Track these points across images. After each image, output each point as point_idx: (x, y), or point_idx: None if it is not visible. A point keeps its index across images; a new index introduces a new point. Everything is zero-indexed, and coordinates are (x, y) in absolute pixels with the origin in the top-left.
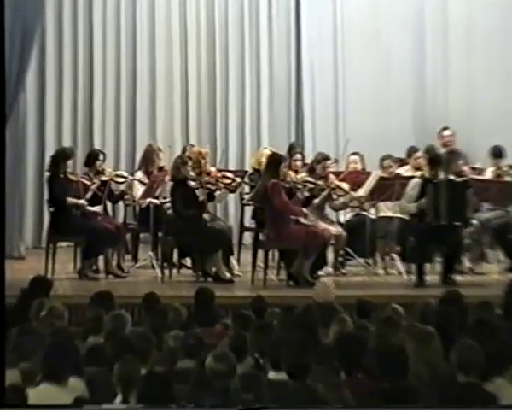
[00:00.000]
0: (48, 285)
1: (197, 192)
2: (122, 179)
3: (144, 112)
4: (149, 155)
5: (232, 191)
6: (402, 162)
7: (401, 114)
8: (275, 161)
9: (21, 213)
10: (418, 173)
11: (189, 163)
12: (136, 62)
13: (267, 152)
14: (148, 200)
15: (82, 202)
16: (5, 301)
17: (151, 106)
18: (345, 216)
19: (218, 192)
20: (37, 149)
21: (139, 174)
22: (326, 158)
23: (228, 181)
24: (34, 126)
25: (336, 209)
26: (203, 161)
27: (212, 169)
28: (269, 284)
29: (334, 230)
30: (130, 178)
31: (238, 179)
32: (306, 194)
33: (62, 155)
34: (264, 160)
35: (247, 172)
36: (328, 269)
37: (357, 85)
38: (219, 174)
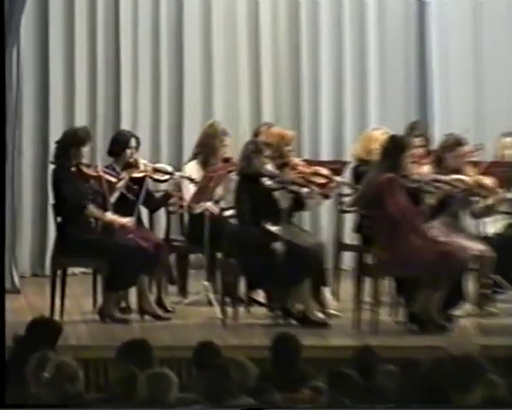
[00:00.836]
0: (54, 331)
1: (276, 195)
2: (164, 176)
3: (196, 81)
4: (209, 140)
5: (327, 196)
6: None
7: None
8: (396, 146)
9: (15, 224)
10: None
11: (266, 152)
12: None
13: (380, 135)
14: (203, 205)
15: (107, 214)
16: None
17: (205, 72)
18: (492, 227)
19: (307, 198)
20: (36, 129)
21: (191, 168)
22: (459, 143)
23: (322, 180)
24: (32, 95)
25: (478, 217)
26: (286, 149)
27: (299, 161)
28: (380, 328)
29: (476, 248)
30: (177, 174)
31: (338, 179)
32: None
33: (74, 140)
34: (375, 146)
35: (346, 163)
36: (468, 307)
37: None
38: (309, 169)
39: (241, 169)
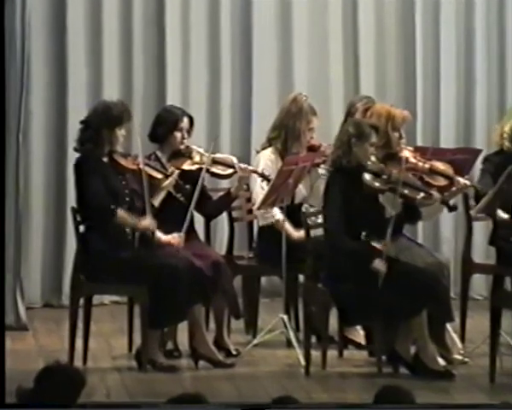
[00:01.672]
0: (75, 383)
1: (381, 199)
2: (227, 170)
3: (272, 37)
4: (291, 120)
5: (448, 205)
6: None
7: None
8: None
9: (19, 235)
10: None
11: (373, 138)
12: None
13: None
14: (273, 214)
15: (145, 223)
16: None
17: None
18: None
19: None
20: (49, 105)
21: (264, 158)
22: None
23: (442, 182)
24: (43, 58)
25: None
26: (396, 135)
27: (411, 152)
28: None
29: None
30: (244, 166)
31: (463, 180)
32: None
33: (107, 119)
34: (508, 129)
35: (480, 152)
36: None
37: None
38: (425, 164)
39: (335, 161)
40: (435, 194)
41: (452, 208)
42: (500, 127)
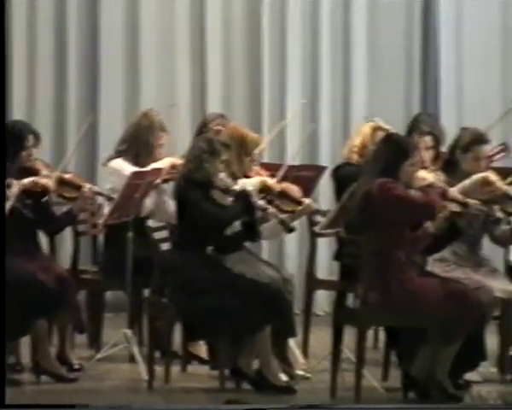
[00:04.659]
0: None
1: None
2: (73, 194)
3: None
4: (142, 135)
5: (290, 230)
6: None
7: None
8: (394, 147)
9: None
10: None
11: (223, 155)
12: None
13: (367, 129)
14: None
15: None
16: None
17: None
18: None
19: (268, 221)
20: None
21: (118, 166)
22: (481, 140)
23: (290, 206)
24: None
25: (503, 243)
26: (249, 158)
27: (262, 172)
28: (368, 396)
29: (501, 288)
30: (88, 187)
31: (309, 203)
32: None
33: None
34: (359, 143)
35: (325, 169)
36: (490, 369)
37: None
38: (276, 186)
39: (186, 175)
40: (277, 213)
41: (291, 230)
42: (350, 141)
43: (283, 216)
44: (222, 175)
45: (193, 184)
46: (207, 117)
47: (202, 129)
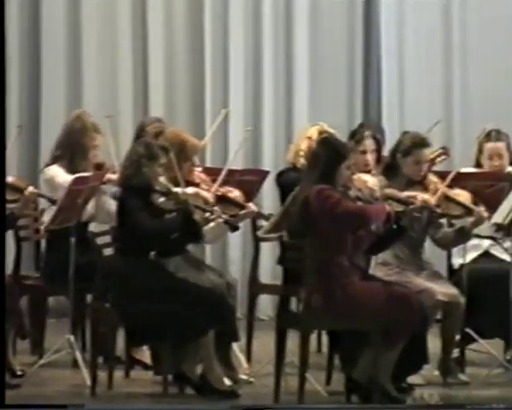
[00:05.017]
0: None
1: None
2: (14, 196)
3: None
4: (76, 138)
5: (235, 228)
6: None
7: None
8: (330, 150)
9: None
10: None
11: (162, 159)
12: None
13: (313, 133)
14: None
15: None
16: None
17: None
18: (461, 257)
19: (210, 224)
20: None
21: (53, 174)
22: (422, 144)
23: (232, 211)
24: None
25: (445, 246)
26: (189, 163)
27: (202, 176)
28: (308, 398)
29: (442, 291)
30: (30, 190)
31: (252, 207)
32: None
33: None
34: (305, 147)
35: (268, 173)
36: (430, 372)
37: None
38: (219, 192)
39: (125, 180)
40: (220, 214)
41: (235, 228)
42: (295, 145)
43: (227, 217)
44: (161, 179)
45: (132, 191)
46: (145, 121)
47: (140, 133)
